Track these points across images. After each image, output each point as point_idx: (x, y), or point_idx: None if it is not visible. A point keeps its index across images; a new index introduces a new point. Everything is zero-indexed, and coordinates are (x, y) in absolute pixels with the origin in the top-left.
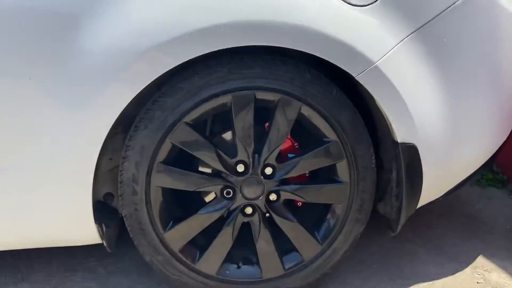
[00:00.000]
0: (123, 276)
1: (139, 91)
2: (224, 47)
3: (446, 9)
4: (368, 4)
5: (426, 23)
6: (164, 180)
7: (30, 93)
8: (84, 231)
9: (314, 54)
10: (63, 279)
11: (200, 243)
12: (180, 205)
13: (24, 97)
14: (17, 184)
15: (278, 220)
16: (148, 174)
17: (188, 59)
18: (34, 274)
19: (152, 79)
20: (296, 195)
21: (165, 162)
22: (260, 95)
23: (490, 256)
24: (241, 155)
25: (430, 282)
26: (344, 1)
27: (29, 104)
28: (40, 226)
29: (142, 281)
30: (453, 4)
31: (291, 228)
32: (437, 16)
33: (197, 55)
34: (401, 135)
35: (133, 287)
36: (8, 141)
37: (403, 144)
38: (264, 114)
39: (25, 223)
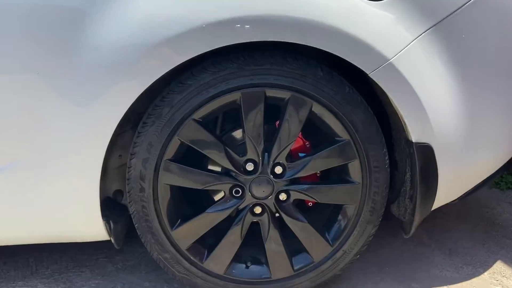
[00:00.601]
0: (131, 273)
1: (147, 87)
2: (235, 42)
3: (465, 4)
4: None
5: (444, 18)
6: (172, 178)
7: (37, 88)
8: (91, 227)
9: (326, 50)
10: (72, 275)
11: (208, 242)
12: (189, 203)
13: (30, 92)
14: (24, 180)
15: (287, 220)
16: (156, 171)
17: (196, 54)
18: (43, 269)
19: (160, 75)
20: (307, 195)
21: (173, 159)
22: (271, 92)
23: (509, 262)
24: (251, 154)
25: (445, 287)
26: None
27: (36, 99)
28: (47, 221)
29: (150, 278)
30: None
31: (301, 228)
32: (455, 11)
33: (206, 51)
34: (415, 135)
35: (141, 284)
36: (15, 137)
37: (418, 144)
38: (275, 111)
39: (33, 219)
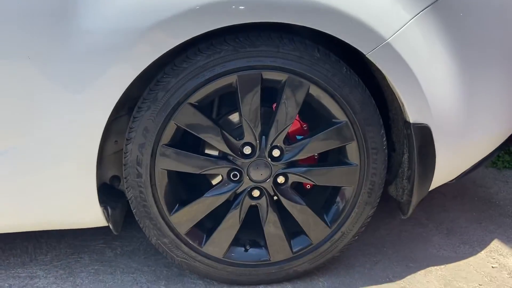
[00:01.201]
0: (130, 258)
1: (141, 71)
2: (229, 24)
3: None
4: None
5: None
6: (169, 162)
7: (29, 74)
8: (89, 214)
9: (322, 30)
10: (71, 261)
11: (207, 226)
12: (186, 187)
13: (23, 78)
14: (19, 167)
15: (286, 203)
16: (152, 156)
17: (190, 37)
18: (42, 256)
19: (154, 59)
20: (305, 177)
21: (170, 144)
22: (267, 74)
23: (506, 240)
24: (248, 137)
25: (443, 266)
26: None
27: (29, 85)
28: (45, 208)
29: (149, 263)
30: None
31: (299, 211)
32: None
33: (200, 33)
34: (413, 115)
35: (140, 269)
36: (8, 123)
37: (416, 124)
38: (271, 94)
39: (30, 206)
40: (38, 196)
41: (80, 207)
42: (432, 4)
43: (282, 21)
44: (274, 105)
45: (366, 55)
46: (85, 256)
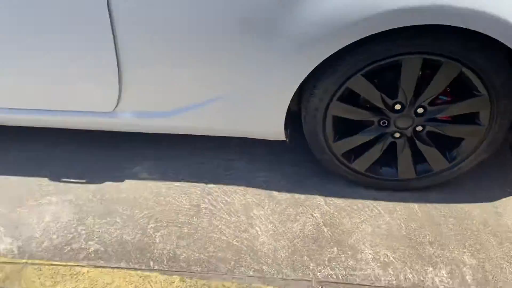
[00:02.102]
0: (294, 154)
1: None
2: (425, 23)
3: None
4: None
5: None
6: (339, 111)
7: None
8: (278, 130)
9: (493, 37)
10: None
11: (355, 150)
12: (344, 124)
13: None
14: (246, 97)
15: (419, 144)
16: (327, 106)
17: (380, 31)
18: (234, 146)
19: (352, 41)
20: (439, 129)
21: (340, 99)
22: (428, 57)
23: None
24: (401, 98)
25: None
26: None
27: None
28: (253, 125)
29: (309, 159)
30: None
31: (428, 150)
32: None
33: (388, 29)
34: None
35: (300, 164)
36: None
37: None
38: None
39: (245, 121)
40: (252, 116)
41: (276, 126)
42: None
43: (465, 27)
44: (426, 72)
45: None
46: (255, 162)
